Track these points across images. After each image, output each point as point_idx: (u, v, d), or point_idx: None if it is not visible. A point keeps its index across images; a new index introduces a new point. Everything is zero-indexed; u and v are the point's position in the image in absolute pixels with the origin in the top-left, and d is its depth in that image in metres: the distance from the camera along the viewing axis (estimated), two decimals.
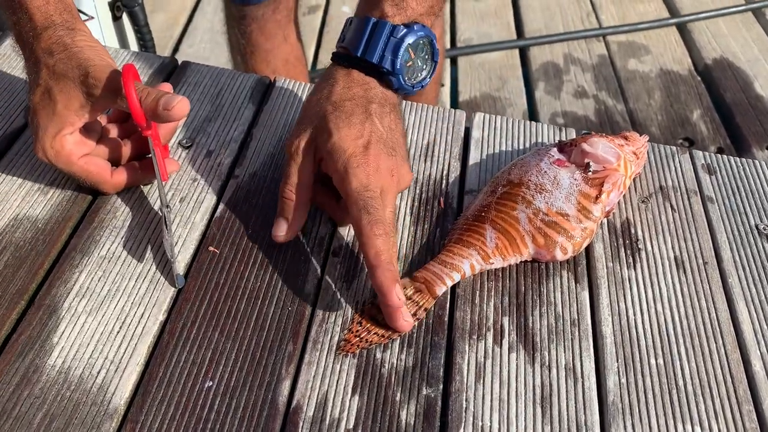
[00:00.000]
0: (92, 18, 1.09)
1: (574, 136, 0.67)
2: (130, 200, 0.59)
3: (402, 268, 0.56)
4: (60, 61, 0.53)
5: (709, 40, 1.94)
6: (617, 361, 0.51)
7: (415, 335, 0.51)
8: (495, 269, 0.56)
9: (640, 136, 0.63)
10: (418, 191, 0.62)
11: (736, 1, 2.09)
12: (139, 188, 0.61)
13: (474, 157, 0.66)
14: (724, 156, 0.68)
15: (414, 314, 0.52)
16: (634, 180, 0.64)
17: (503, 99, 1.75)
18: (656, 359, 0.51)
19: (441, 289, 0.53)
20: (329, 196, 0.58)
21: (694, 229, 0.60)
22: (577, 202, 0.56)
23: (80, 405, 0.46)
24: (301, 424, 0.46)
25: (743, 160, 0.68)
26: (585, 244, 0.56)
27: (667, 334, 0.52)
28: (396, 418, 0.47)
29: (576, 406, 0.48)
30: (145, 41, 1.20)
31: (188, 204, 0.60)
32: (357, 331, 0.51)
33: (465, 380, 0.49)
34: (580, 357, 0.51)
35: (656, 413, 0.48)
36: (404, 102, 0.71)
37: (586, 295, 0.55)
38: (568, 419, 0.47)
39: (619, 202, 0.62)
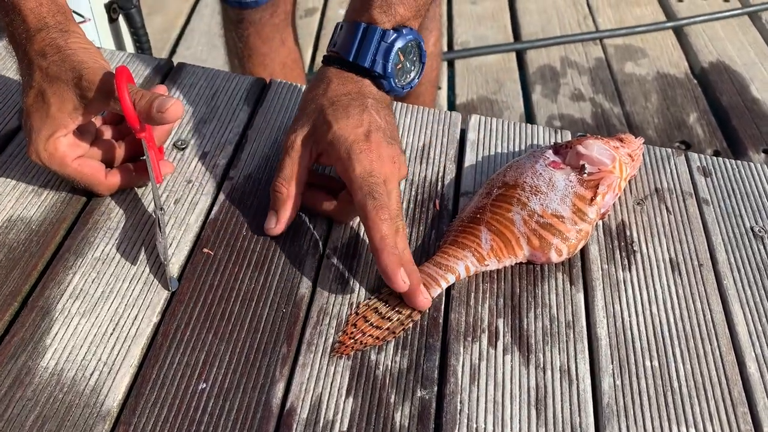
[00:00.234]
0: (88, 20, 1.09)
1: (570, 138, 0.67)
2: (125, 202, 0.59)
3: None
4: (53, 63, 0.53)
5: (706, 43, 1.95)
6: (612, 362, 0.50)
7: (409, 337, 0.51)
8: (490, 271, 0.56)
9: (636, 138, 0.63)
10: (413, 193, 0.62)
11: (732, 5, 2.10)
12: (134, 190, 0.60)
13: (469, 159, 0.66)
14: (720, 158, 0.68)
15: (409, 316, 0.52)
16: (629, 182, 0.64)
17: (500, 102, 1.75)
18: (651, 361, 0.51)
19: (436, 291, 0.53)
20: (323, 194, 0.58)
21: (689, 231, 0.60)
22: (572, 204, 0.56)
23: (73, 407, 0.46)
24: (295, 426, 0.46)
25: (738, 162, 0.68)
26: (580, 246, 0.56)
27: (662, 336, 0.52)
28: (390, 420, 0.46)
29: (571, 408, 0.48)
30: (142, 44, 1.20)
31: (183, 205, 0.60)
32: (351, 332, 0.51)
33: (460, 382, 0.49)
34: (575, 359, 0.50)
35: (651, 415, 0.48)
36: (400, 104, 0.71)
37: (581, 296, 0.55)
38: (562, 421, 0.47)
39: (614, 204, 0.62)
